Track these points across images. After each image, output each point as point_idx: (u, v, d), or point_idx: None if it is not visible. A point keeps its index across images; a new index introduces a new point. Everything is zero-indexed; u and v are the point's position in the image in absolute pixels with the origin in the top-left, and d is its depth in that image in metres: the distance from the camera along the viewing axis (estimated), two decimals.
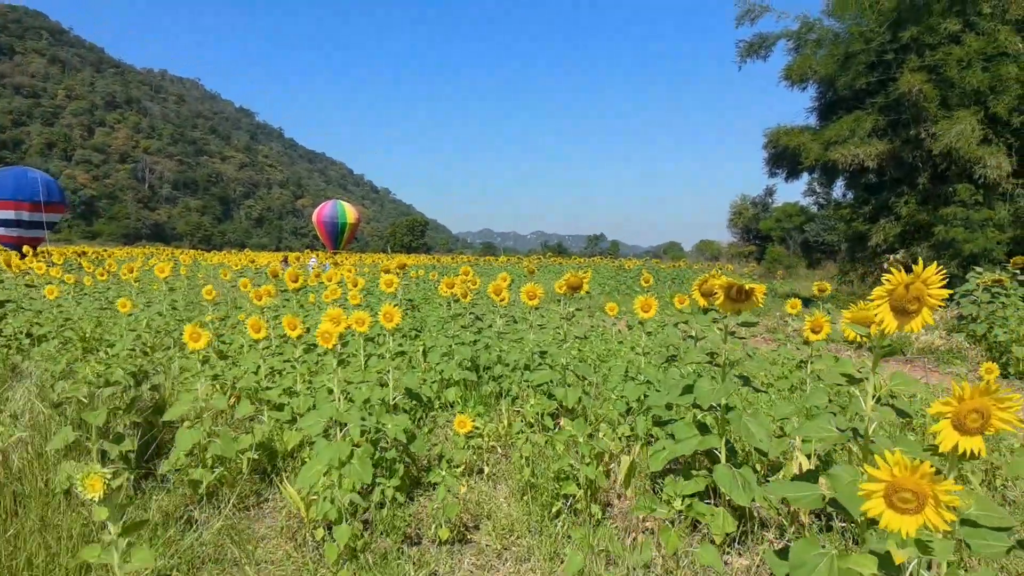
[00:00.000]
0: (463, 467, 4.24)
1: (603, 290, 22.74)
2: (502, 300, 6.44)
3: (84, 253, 21.64)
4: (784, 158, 21.43)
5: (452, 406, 6.22)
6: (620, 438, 4.38)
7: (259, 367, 4.74)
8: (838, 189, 21.98)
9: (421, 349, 6.91)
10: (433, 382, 6.20)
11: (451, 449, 4.27)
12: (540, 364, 5.13)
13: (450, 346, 6.40)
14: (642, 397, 4.79)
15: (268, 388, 4.51)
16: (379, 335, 5.73)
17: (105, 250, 26.89)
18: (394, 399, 4.24)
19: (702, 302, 3.67)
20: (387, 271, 9.68)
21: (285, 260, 21.43)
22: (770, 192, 49.42)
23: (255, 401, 4.65)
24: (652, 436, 4.12)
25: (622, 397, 4.91)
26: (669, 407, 3.90)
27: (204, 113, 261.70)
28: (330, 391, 3.75)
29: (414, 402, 4.32)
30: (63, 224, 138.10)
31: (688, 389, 3.26)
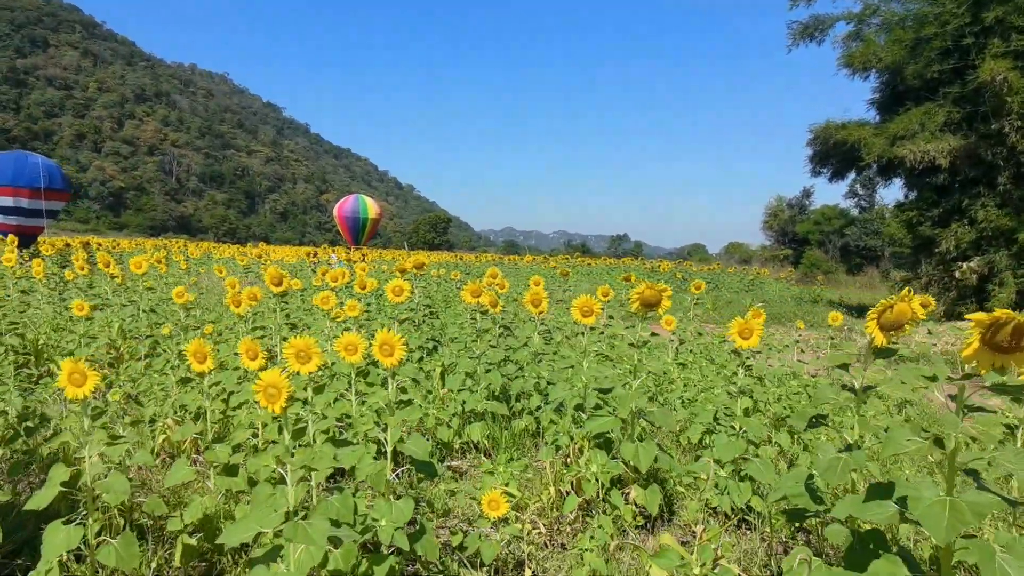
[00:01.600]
0: (494, 564, 2.89)
1: None
2: (540, 312, 5.07)
3: (87, 244, 20.60)
4: (832, 155, 19.79)
5: (476, 448, 4.85)
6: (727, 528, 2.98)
7: (202, 411, 3.36)
8: (895, 190, 20.29)
9: (439, 369, 5.54)
10: (453, 416, 4.84)
11: (476, 538, 2.90)
12: (598, 407, 3.72)
13: (475, 369, 5.02)
14: (739, 460, 3.41)
15: (216, 441, 3.13)
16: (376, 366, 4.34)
17: (116, 242, 25.95)
18: (394, 472, 2.87)
19: (880, 339, 2.24)
20: (403, 271, 8.36)
21: (314, 255, 20.17)
22: (807, 193, 47.60)
23: (204, 455, 3.31)
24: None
25: (715, 458, 3.51)
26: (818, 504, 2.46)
27: (232, 107, 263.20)
28: (273, 481, 2.36)
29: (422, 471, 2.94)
30: (91, 215, 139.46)
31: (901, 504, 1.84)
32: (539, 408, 4.91)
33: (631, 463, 3.28)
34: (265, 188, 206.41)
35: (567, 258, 36.17)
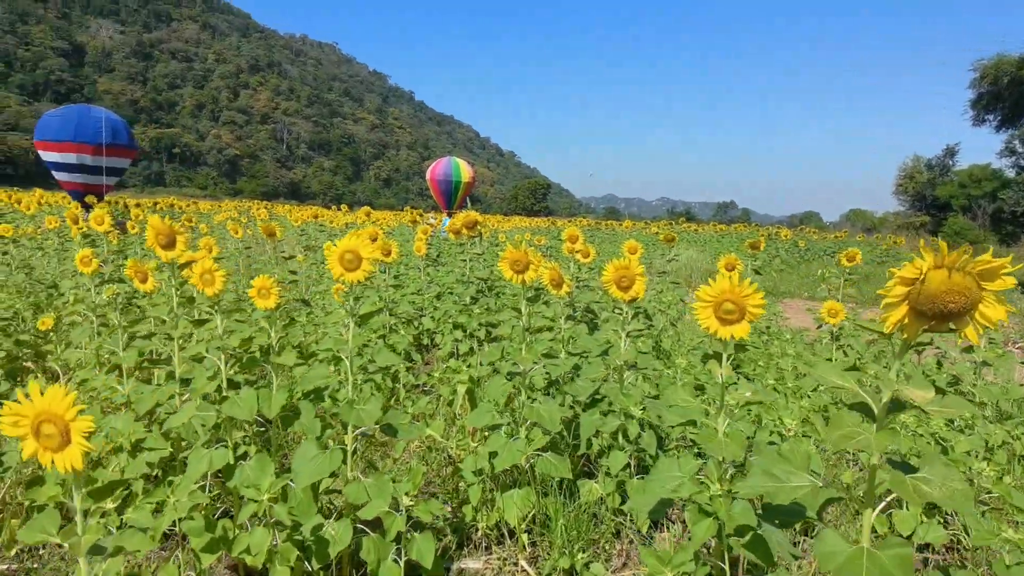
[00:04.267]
0: None
1: (772, 268, 18.35)
2: (633, 297, 2.93)
3: (173, 205, 19.89)
4: (1005, 97, 16.16)
5: (512, 536, 2.81)
6: None
7: None
8: None
9: (466, 383, 3.49)
10: (478, 476, 2.81)
11: None
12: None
13: (517, 393, 2.93)
14: None
15: None
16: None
17: (194, 202, 25.44)
18: None
19: None
20: (456, 232, 6.36)
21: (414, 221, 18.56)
22: (951, 152, 41.94)
23: None
24: None
25: None
26: None
27: (340, 76, 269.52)
28: None
29: None
30: (209, 181, 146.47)
31: None
32: (627, 468, 2.81)
33: None
34: (370, 155, 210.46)
35: (671, 224, 33.19)
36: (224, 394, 2.15)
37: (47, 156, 14.69)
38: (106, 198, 15.82)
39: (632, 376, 3.22)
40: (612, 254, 18.55)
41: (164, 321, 2.71)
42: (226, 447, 2.15)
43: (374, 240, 5.88)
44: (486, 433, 2.95)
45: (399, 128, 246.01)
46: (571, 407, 3.15)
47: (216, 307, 2.24)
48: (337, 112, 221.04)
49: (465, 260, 6.22)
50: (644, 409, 2.75)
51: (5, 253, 6.56)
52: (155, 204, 18.64)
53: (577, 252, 5.59)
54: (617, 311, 3.05)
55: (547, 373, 3.15)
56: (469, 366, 3.56)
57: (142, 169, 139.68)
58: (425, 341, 6.47)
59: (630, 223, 30.03)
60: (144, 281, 2.94)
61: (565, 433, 3.12)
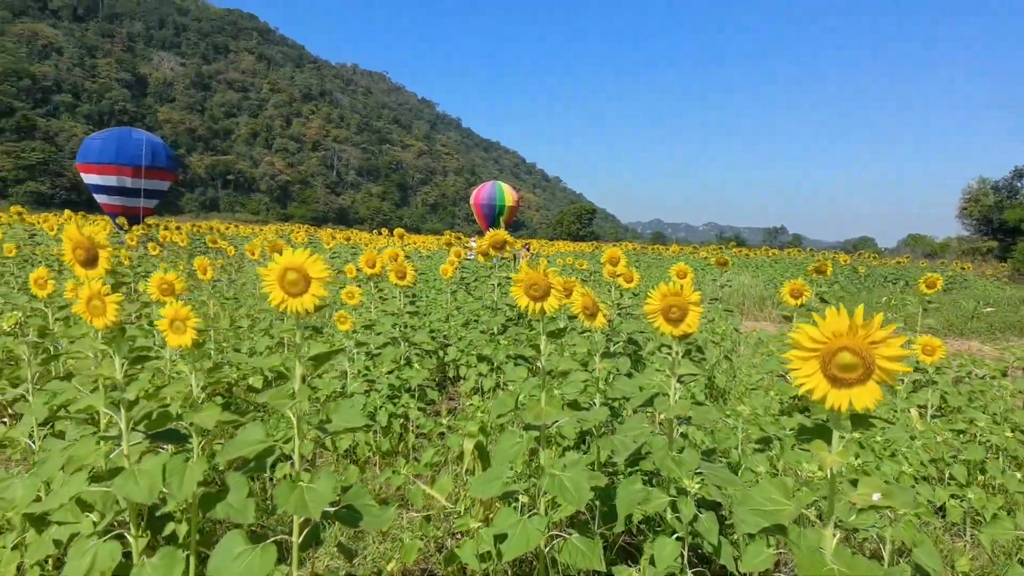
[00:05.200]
0: None
1: (831, 296, 17.23)
2: (685, 332, 2.26)
3: (212, 228, 19.86)
4: None
5: None
6: None
7: None
8: None
9: (475, 436, 2.84)
10: (485, 563, 2.16)
11: None
12: None
13: (528, 457, 2.29)
14: None
15: None
16: None
17: (235, 225, 25.49)
18: None
19: None
20: (485, 254, 5.78)
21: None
22: (1020, 174, 39.79)
23: None
24: None
25: None
26: None
27: (389, 104, 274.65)
28: None
29: None
30: (261, 207, 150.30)
31: None
32: (679, 560, 2.14)
33: None
34: (417, 180, 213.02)
35: (720, 248, 32.05)
36: (120, 465, 1.57)
37: (89, 179, 14.72)
38: (147, 220, 15.79)
39: (683, 432, 2.55)
40: (658, 279, 17.78)
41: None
42: (121, 537, 1.56)
43: (395, 260, 5.33)
44: (498, 504, 2.31)
45: (446, 154, 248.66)
46: (606, 469, 2.50)
47: (114, 344, 1.67)
48: (386, 139, 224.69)
49: (494, 285, 5.62)
50: (702, 482, 2.07)
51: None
52: (193, 226, 18.61)
53: (619, 276, 4.94)
54: (665, 348, 2.38)
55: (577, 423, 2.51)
56: (482, 412, 2.93)
57: (198, 195, 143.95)
58: (451, 373, 5.87)
59: (677, 247, 29.05)
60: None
61: (597, 502, 2.46)
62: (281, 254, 4.79)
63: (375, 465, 3.72)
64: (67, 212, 9.40)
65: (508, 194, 41.17)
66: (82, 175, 14.50)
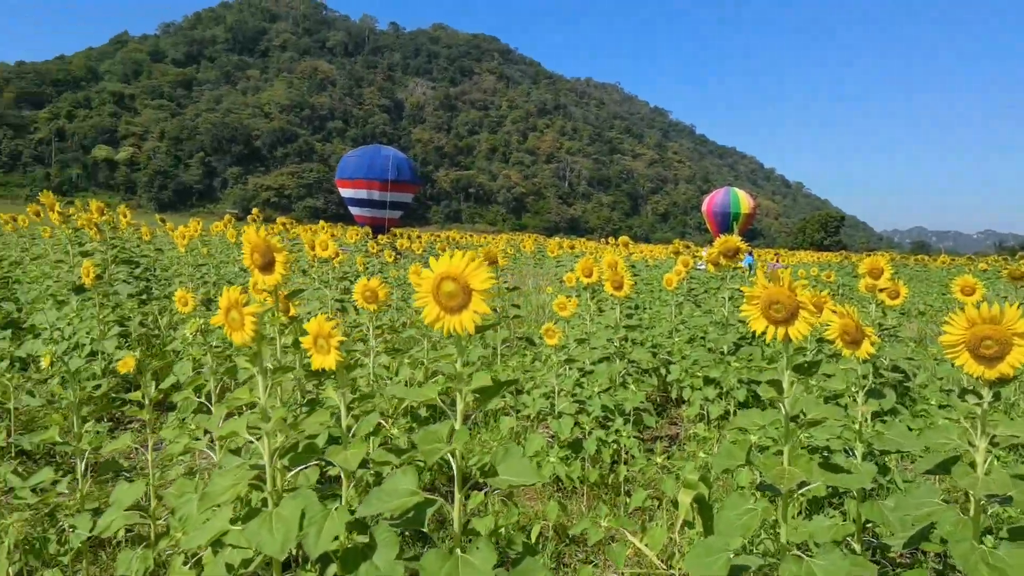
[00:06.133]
0: None
1: None
2: (1005, 367, 1.56)
3: (449, 238, 21.03)
4: None
5: None
6: None
7: None
8: None
9: (693, 488, 2.34)
10: None
11: None
12: None
13: (779, 521, 1.75)
14: None
15: None
16: None
17: (471, 235, 26.74)
18: None
19: None
20: (714, 261, 5.18)
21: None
22: None
23: None
24: None
25: None
26: None
27: (621, 114, 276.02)
28: None
29: None
30: (498, 218, 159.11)
31: None
32: None
33: None
34: (648, 190, 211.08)
35: (1005, 259, 27.08)
36: (256, 506, 1.35)
37: (345, 192, 16.35)
38: (393, 231, 17.13)
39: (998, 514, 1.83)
40: (923, 296, 15.39)
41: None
42: None
43: (613, 268, 4.93)
44: None
45: (678, 162, 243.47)
46: (874, 552, 1.87)
47: (256, 362, 1.46)
48: (617, 149, 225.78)
49: (724, 298, 4.98)
50: None
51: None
52: (431, 236, 19.84)
53: (882, 291, 4.06)
54: (971, 394, 1.70)
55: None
56: (704, 452, 2.41)
57: (443, 208, 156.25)
58: (673, 394, 5.33)
59: (947, 258, 25.11)
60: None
61: None
62: (496, 262, 4.54)
63: (581, 495, 3.35)
64: (321, 223, 10.34)
65: (743, 201, 38.79)
66: (340, 190, 16.20)
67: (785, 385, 1.69)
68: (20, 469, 2.41)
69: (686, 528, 2.43)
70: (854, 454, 2.29)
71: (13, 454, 2.87)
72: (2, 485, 2.13)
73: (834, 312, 2.25)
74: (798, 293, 1.70)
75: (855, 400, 2.37)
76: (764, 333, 1.65)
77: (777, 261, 17.05)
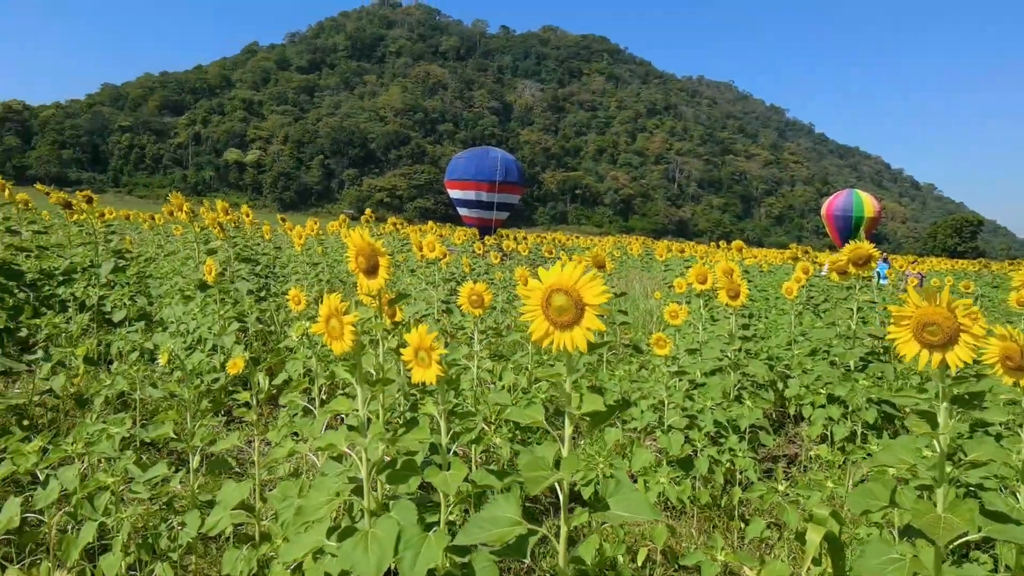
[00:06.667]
0: None
1: None
2: None
3: (554, 240, 20.97)
4: None
5: None
6: None
7: None
8: None
9: (822, 526, 2.12)
10: None
11: None
12: None
13: None
14: None
15: None
16: None
17: (576, 236, 26.50)
18: None
19: None
20: (840, 270, 4.82)
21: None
22: None
23: None
24: None
25: None
26: None
27: (734, 114, 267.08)
28: None
29: None
30: (605, 220, 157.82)
31: None
32: None
33: None
34: (761, 191, 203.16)
35: None
36: (355, 524, 1.29)
37: (454, 193, 16.66)
38: (499, 232, 17.26)
39: None
40: None
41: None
42: None
43: (729, 275, 4.68)
44: None
45: (795, 163, 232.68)
46: None
47: (356, 373, 1.40)
48: (729, 149, 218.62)
49: (851, 309, 4.60)
50: None
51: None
52: (537, 237, 19.82)
53: None
54: None
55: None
56: (833, 482, 2.19)
57: (549, 209, 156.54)
58: (791, 410, 5.00)
59: None
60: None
61: None
62: (603, 267, 4.40)
63: (691, 517, 3.16)
64: (430, 223, 10.52)
65: (868, 203, 36.45)
66: (448, 191, 16.50)
67: (941, 419, 1.47)
68: (143, 459, 2.51)
69: (812, 567, 2.21)
70: (1017, 497, 2.01)
71: (137, 444, 3.03)
72: (125, 475, 2.22)
73: (990, 332, 1.98)
74: (958, 314, 1.48)
75: (1018, 434, 2.07)
76: (917, 359, 1.44)
77: (922, 276, 15.63)
